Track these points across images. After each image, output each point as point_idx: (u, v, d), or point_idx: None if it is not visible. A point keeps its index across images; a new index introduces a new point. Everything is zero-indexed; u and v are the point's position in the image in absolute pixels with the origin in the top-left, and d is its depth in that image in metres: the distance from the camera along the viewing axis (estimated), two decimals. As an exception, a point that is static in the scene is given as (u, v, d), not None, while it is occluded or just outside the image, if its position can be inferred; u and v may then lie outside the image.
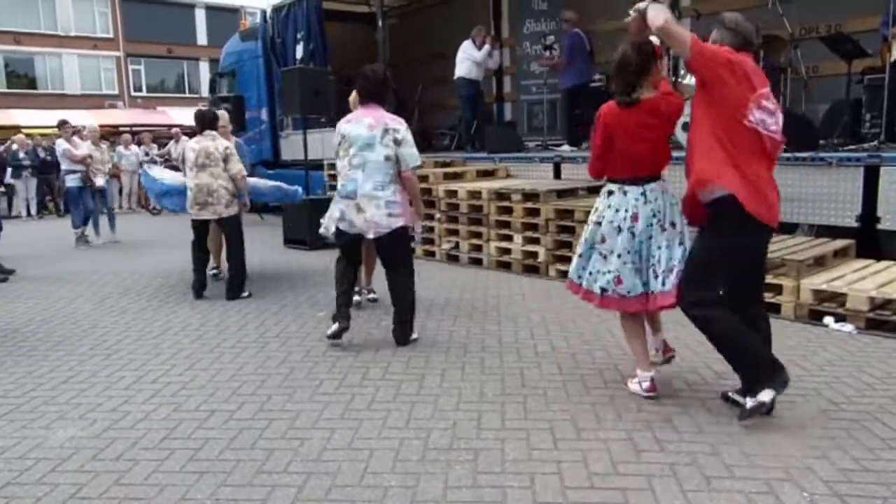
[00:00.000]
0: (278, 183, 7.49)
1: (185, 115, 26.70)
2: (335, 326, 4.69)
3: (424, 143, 10.20)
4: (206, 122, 6.37)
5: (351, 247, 4.82)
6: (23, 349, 4.90)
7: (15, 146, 15.29)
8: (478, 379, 4.02)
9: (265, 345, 4.83)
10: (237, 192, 6.32)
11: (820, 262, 5.61)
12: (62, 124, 10.85)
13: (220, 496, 2.76)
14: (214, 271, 7.14)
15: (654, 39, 3.43)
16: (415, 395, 3.79)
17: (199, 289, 6.39)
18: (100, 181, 10.35)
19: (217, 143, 6.22)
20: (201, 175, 6.13)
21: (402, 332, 4.75)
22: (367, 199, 4.52)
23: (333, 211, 4.78)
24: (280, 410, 3.62)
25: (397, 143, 4.52)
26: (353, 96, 5.34)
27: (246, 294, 6.33)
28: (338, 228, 4.72)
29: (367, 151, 4.51)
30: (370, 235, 4.60)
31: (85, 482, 2.89)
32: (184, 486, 2.84)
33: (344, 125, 4.65)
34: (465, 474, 2.88)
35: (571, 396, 3.72)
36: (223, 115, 7.36)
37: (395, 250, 4.74)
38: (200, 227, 6.38)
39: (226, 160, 6.18)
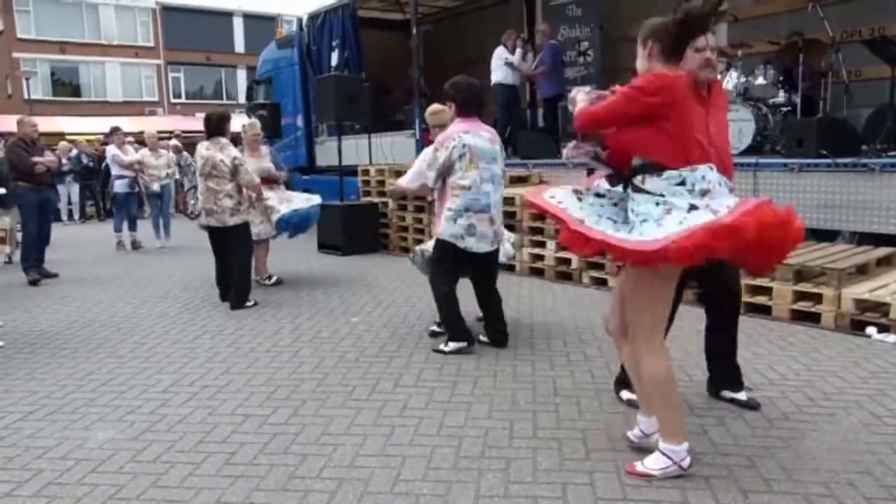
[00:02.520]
0: (292, 194, 7.37)
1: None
2: (464, 344, 4.68)
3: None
4: (211, 127, 6.22)
5: (485, 265, 4.82)
6: (64, 351, 5.02)
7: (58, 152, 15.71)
8: (510, 387, 4.01)
9: (299, 350, 4.88)
10: (251, 198, 6.43)
11: (862, 271, 5.48)
12: (114, 131, 11.21)
13: (254, 500, 2.79)
14: (261, 280, 7.17)
15: None
16: (447, 403, 3.79)
17: (221, 291, 6.49)
18: (155, 186, 10.60)
19: (226, 153, 6.10)
20: (208, 183, 6.11)
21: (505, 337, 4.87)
22: (496, 212, 4.70)
23: (455, 229, 4.56)
24: (313, 416, 3.65)
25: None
26: (435, 108, 5.24)
27: (251, 304, 6.25)
28: (457, 249, 4.60)
29: (492, 164, 4.64)
30: (493, 247, 4.70)
31: (123, 483, 2.95)
32: (219, 489, 2.88)
33: (465, 136, 4.53)
34: (496, 483, 2.87)
35: (604, 406, 3.68)
36: (254, 123, 7.40)
37: (497, 262, 4.97)
38: (209, 232, 6.36)
39: (234, 172, 6.08)
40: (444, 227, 4.63)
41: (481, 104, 4.79)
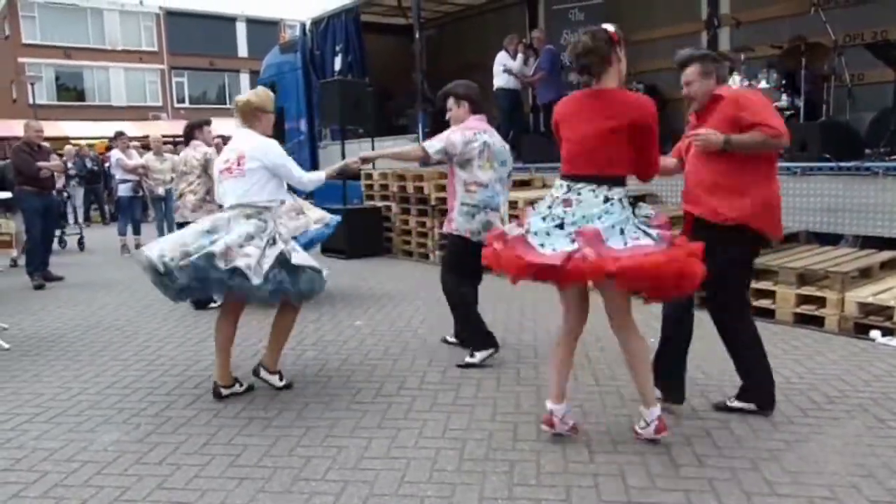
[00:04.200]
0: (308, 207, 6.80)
1: (226, 126, 27.23)
2: (493, 350, 4.57)
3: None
4: (186, 135, 6.92)
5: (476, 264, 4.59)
6: (70, 354, 5.04)
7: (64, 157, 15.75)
8: (513, 390, 4.02)
9: (303, 353, 4.89)
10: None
11: (866, 274, 5.49)
12: (118, 135, 11.26)
13: (260, 502, 2.80)
14: None
15: (609, 27, 3.15)
16: (451, 406, 3.80)
17: (196, 301, 6.18)
18: (159, 190, 10.64)
19: (197, 151, 6.64)
20: (178, 181, 6.82)
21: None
22: (503, 212, 4.59)
23: (474, 224, 4.46)
24: (318, 418, 3.66)
25: None
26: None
27: (215, 304, 6.10)
28: (476, 243, 4.43)
29: (503, 168, 4.55)
30: None
31: (129, 486, 2.97)
32: (223, 491, 2.89)
33: (485, 135, 4.46)
34: (500, 485, 2.88)
35: (608, 408, 3.69)
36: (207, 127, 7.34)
37: None
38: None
39: (205, 165, 6.48)
40: (459, 222, 4.50)
41: (485, 106, 4.77)
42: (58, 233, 10.94)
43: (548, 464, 3.05)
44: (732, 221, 3.32)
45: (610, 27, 3.15)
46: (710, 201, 3.39)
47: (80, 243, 11.21)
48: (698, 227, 3.42)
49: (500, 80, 10.20)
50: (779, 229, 3.54)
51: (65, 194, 11.57)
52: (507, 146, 4.73)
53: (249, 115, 4.06)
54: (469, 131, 4.45)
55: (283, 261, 3.71)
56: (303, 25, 13.99)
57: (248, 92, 4.29)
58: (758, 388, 3.54)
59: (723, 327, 3.58)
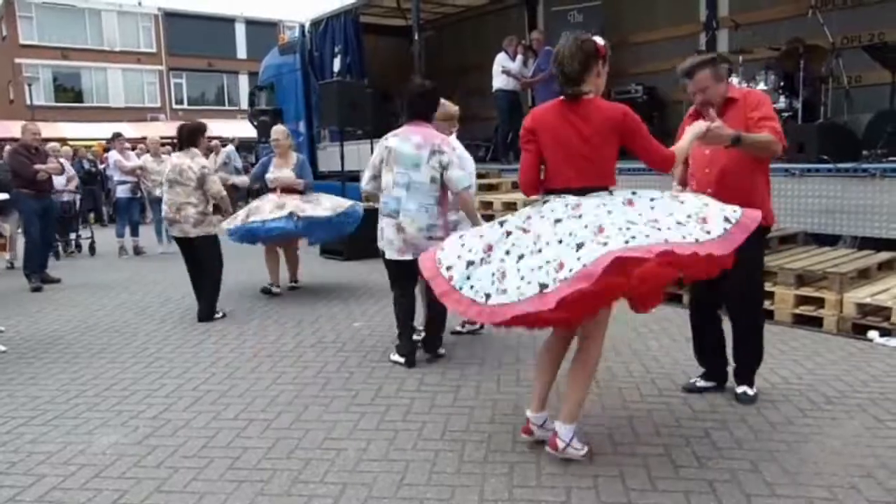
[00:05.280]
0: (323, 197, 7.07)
1: (224, 128, 27.32)
2: (401, 358, 4.60)
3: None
4: (183, 139, 6.09)
5: (396, 272, 4.64)
6: (67, 356, 5.03)
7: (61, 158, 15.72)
8: (513, 391, 4.01)
9: (302, 354, 4.88)
10: (225, 209, 6.36)
11: (864, 275, 5.50)
12: (116, 137, 11.22)
13: (258, 505, 2.80)
14: (275, 289, 7.02)
15: (598, 40, 3.12)
16: (450, 407, 3.79)
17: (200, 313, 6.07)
18: (157, 191, 10.61)
19: (195, 161, 5.95)
20: (171, 191, 5.94)
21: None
22: (409, 220, 4.39)
23: (380, 224, 4.62)
24: (317, 420, 3.65)
25: (443, 166, 4.36)
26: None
27: (219, 315, 6.07)
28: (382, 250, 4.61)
29: (412, 171, 4.37)
30: (408, 256, 4.37)
31: (127, 488, 2.96)
32: (222, 494, 2.89)
33: (391, 139, 4.47)
34: (500, 487, 2.87)
35: (608, 410, 3.68)
36: (278, 129, 7.18)
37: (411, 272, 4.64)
38: (178, 242, 6.17)
39: (202, 180, 5.90)
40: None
41: (426, 109, 4.56)
42: (73, 236, 10.92)
43: (547, 465, 3.05)
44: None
45: (599, 39, 3.12)
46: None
47: (92, 247, 11.11)
48: None
49: (499, 82, 10.22)
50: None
51: (77, 196, 11.45)
52: (429, 150, 4.38)
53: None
54: (382, 141, 4.57)
55: None
56: (302, 26, 13.97)
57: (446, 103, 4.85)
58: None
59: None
